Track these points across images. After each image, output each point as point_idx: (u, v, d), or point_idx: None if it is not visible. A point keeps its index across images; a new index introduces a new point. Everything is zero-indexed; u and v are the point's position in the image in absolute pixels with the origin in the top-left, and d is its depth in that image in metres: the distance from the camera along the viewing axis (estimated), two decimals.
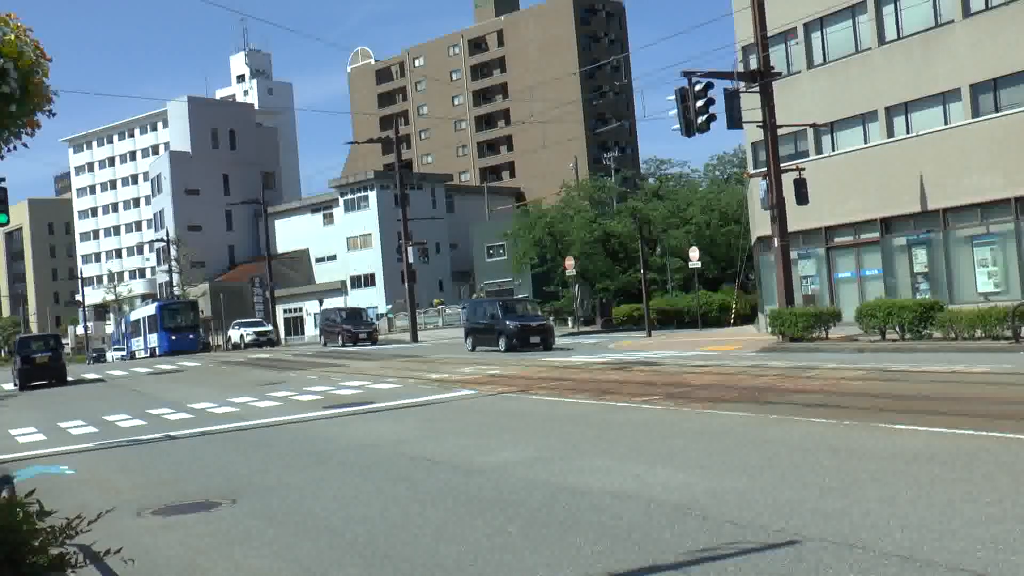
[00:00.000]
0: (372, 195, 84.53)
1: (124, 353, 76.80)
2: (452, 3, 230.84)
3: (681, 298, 51.28)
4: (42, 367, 37.51)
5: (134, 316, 75.91)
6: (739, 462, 10.31)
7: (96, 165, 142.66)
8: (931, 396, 14.54)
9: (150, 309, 68.97)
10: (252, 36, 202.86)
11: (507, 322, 34.65)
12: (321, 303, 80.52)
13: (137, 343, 71.78)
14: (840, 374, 18.71)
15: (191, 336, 64.06)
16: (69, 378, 38.73)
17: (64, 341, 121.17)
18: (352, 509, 9.51)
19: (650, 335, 41.33)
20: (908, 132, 32.05)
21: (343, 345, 47.80)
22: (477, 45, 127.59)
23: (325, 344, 51.17)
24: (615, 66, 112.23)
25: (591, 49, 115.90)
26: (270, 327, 68.56)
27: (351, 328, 49.38)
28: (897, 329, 24.80)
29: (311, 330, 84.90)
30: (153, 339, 65.42)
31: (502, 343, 34.52)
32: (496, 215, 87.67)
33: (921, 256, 30.25)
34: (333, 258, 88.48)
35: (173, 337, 62.70)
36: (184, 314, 65.75)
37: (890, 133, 32.88)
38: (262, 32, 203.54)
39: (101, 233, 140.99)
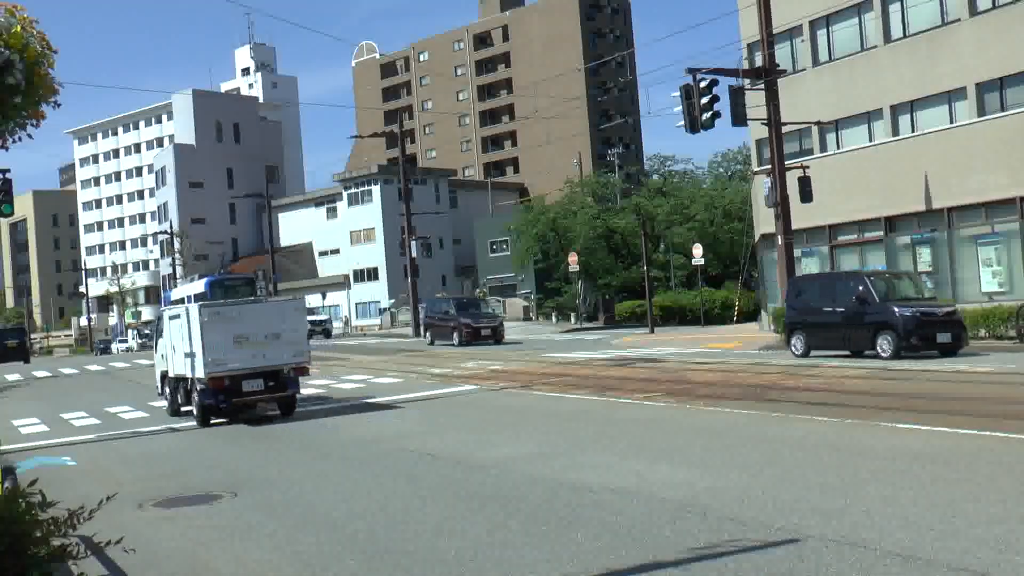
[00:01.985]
0: (376, 189, 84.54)
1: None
2: None
3: (684, 295, 51.25)
4: (12, 350, 53.32)
5: (176, 294, 66.49)
6: (740, 459, 10.31)
7: (100, 157, 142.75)
8: (934, 395, 14.52)
9: (197, 286, 60.00)
10: (257, 30, 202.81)
11: (895, 310, 22.17)
12: (324, 297, 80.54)
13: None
14: (842, 372, 18.70)
15: None
16: (74, 371, 41.08)
17: (67, 332, 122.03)
18: (353, 503, 9.52)
19: (652, 332, 41.31)
20: (913, 131, 31.98)
21: (460, 344, 38.32)
22: (482, 40, 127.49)
23: (433, 342, 41.11)
24: (620, 62, 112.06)
25: (596, 45, 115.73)
26: (325, 315, 60.83)
27: (470, 322, 39.36)
28: None
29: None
30: None
31: (885, 343, 22.16)
32: (499, 210, 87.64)
33: (925, 255, 30.20)
34: (336, 252, 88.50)
35: None
36: (240, 292, 55.98)
37: (895, 132, 32.82)
38: (267, 26, 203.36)
39: (105, 225, 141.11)
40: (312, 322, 55.28)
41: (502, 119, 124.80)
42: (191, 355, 17.44)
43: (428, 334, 41.86)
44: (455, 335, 39.06)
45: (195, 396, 17.52)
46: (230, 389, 17.12)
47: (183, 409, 18.96)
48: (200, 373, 17.07)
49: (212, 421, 17.60)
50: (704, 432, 12.47)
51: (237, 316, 17.58)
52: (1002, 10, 29.65)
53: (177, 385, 19.10)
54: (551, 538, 7.57)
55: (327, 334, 57.23)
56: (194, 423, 17.58)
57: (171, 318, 19.37)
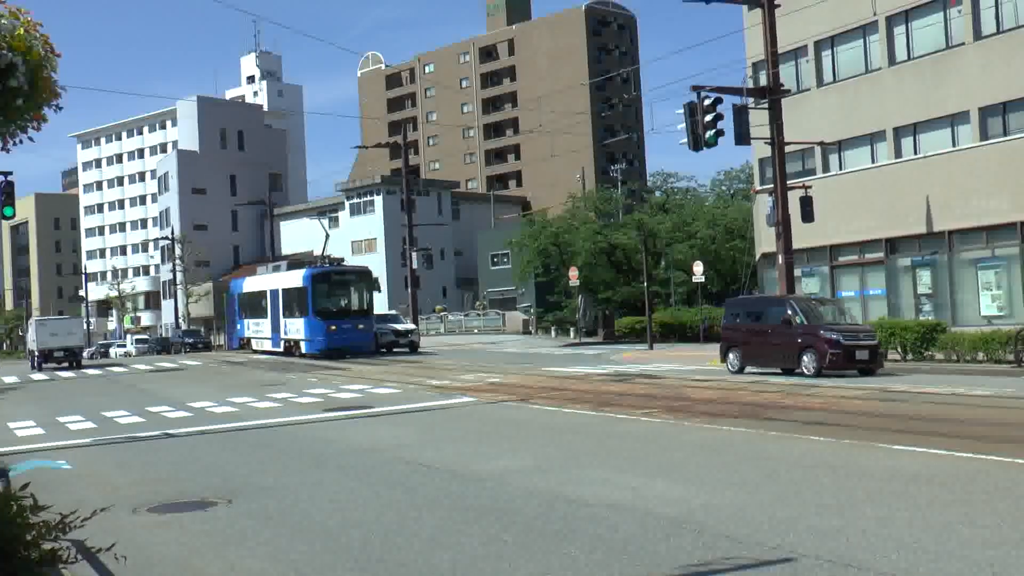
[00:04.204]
0: (378, 200, 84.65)
1: (231, 340, 54.27)
2: (464, 11, 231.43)
3: (684, 312, 51.19)
4: None
5: (251, 286, 49.27)
6: (737, 477, 10.29)
7: (104, 161, 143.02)
8: (931, 417, 14.50)
9: (292, 278, 42.79)
10: (264, 38, 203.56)
11: None
12: None
13: (257, 328, 47.27)
14: (841, 393, 18.67)
15: (361, 327, 40.53)
16: (71, 374, 40.95)
17: None
18: (348, 512, 9.49)
19: (652, 348, 41.26)
20: (916, 153, 32.04)
21: (816, 373, 22.92)
22: (488, 53, 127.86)
23: (742, 368, 25.22)
24: (625, 78, 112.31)
25: (601, 60, 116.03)
26: (411, 324, 46.86)
27: (838, 338, 23.02)
28: (899, 349, 24.73)
29: None
30: (295, 327, 42.00)
31: None
32: (502, 223, 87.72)
33: (925, 277, 30.21)
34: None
35: (332, 327, 39.58)
36: (352, 289, 41.75)
37: (898, 154, 32.88)
38: (274, 34, 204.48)
39: (106, 229, 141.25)
40: (396, 332, 43.74)
41: (506, 132, 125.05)
42: (34, 340, 45.05)
43: (733, 354, 25.59)
44: (807, 358, 23.32)
45: (35, 358, 44.40)
46: (48, 355, 44.29)
47: (44, 367, 43.99)
48: (36, 348, 44.64)
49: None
50: (701, 449, 12.45)
51: (52, 324, 46.75)
52: (1007, 35, 29.74)
53: (33, 354, 44.84)
54: (546, 552, 7.55)
55: (412, 348, 43.54)
56: (188, 428, 17.64)
57: (28, 324, 42.96)
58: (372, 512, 9.45)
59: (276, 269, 46.95)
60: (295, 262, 47.23)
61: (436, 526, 8.68)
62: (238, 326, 51.12)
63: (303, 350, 41.21)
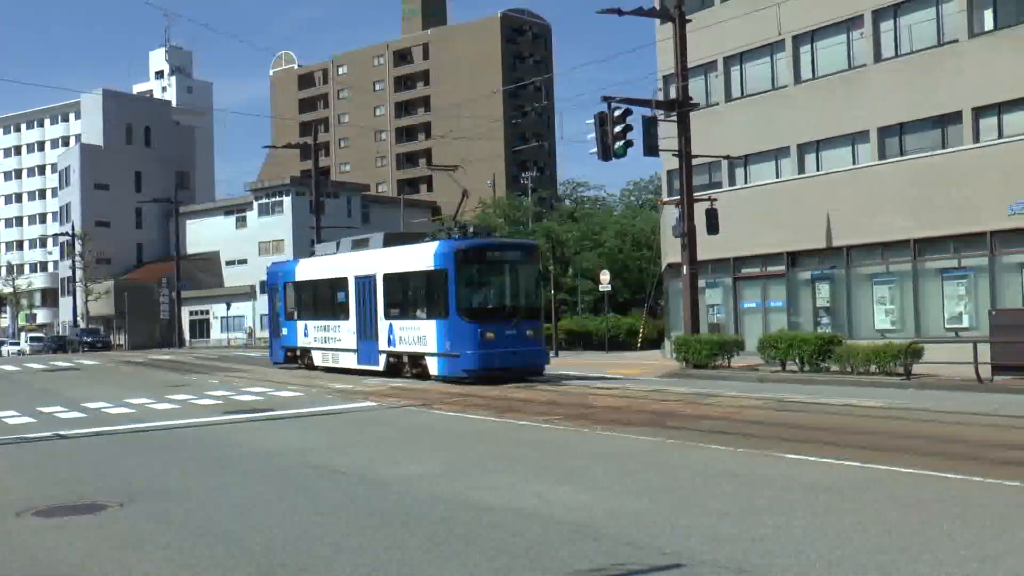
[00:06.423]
0: (287, 200, 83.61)
1: (272, 351, 36.76)
2: (382, 15, 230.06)
3: (590, 320, 51.71)
4: None
5: (314, 271, 34.14)
6: (641, 485, 10.45)
7: (1, 153, 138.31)
8: (827, 427, 14.92)
9: (411, 256, 28.26)
10: (177, 34, 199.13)
11: None
12: (228, 307, 79.13)
13: (326, 333, 32.32)
14: (740, 402, 19.07)
15: (530, 333, 26.63)
16: None
17: None
18: (251, 517, 9.36)
19: (557, 355, 41.53)
20: (818, 170, 32.99)
21: None
22: (402, 57, 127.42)
23: None
24: (538, 87, 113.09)
25: (516, 68, 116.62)
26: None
27: None
28: (797, 361, 25.36)
29: (217, 333, 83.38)
30: (415, 333, 27.60)
31: None
32: (412, 227, 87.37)
33: (824, 291, 31.10)
34: (244, 262, 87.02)
35: (489, 335, 25.61)
36: (517, 276, 27.77)
37: (801, 169, 33.81)
38: (188, 30, 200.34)
39: (2, 224, 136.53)
40: None
41: (418, 136, 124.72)
42: None
43: None
44: None
45: None
46: None
47: None
48: None
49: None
50: (605, 457, 12.60)
51: None
52: (906, 58, 30.83)
53: None
54: (449, 557, 7.57)
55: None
56: (83, 429, 17.16)
57: None
58: (276, 517, 9.34)
59: (359, 246, 31.72)
60: (398, 235, 31.74)
61: (340, 531, 8.62)
62: (284, 330, 35.17)
63: (435, 371, 26.62)
